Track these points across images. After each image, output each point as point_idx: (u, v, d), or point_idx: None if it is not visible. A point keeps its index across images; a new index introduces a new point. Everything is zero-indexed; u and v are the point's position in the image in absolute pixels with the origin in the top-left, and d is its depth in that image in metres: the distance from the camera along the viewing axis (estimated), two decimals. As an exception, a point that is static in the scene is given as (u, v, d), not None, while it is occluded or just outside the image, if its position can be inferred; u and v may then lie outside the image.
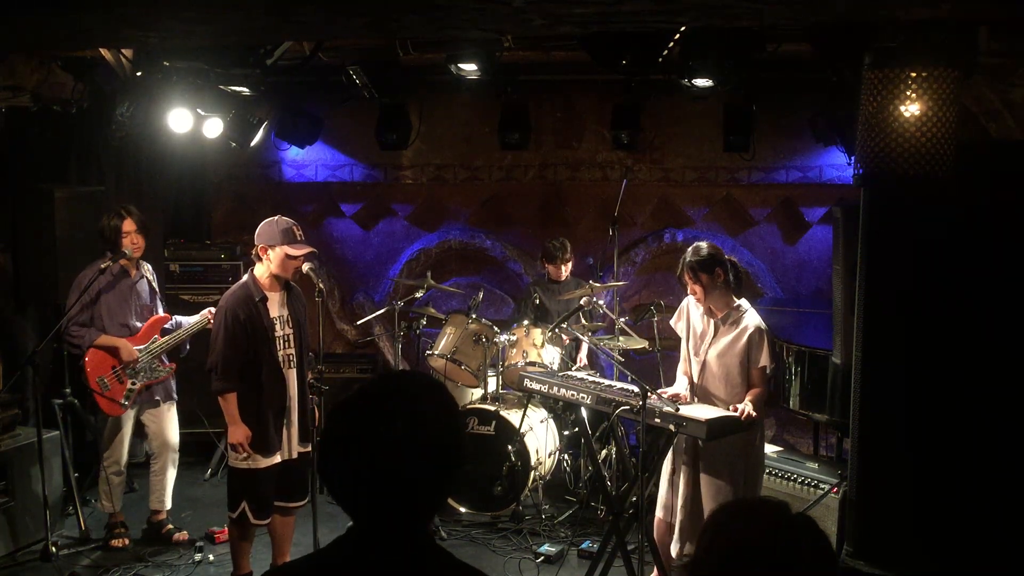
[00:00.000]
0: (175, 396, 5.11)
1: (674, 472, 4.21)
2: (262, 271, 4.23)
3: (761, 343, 4.01)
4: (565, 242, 6.12)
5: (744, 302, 4.15)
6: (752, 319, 4.08)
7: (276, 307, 4.25)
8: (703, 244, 4.13)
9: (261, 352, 4.16)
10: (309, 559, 1.64)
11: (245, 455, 4.16)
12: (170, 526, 5.09)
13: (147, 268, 5.10)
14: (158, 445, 5.06)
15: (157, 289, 5.12)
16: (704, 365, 4.15)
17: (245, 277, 4.30)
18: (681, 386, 4.26)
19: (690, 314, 4.28)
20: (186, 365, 5.23)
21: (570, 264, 6.13)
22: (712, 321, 4.14)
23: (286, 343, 4.27)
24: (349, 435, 1.45)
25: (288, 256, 4.16)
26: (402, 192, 7.26)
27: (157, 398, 5.00)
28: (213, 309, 4.87)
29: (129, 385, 4.85)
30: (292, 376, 4.27)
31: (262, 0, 2.96)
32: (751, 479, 4.11)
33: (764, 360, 4.01)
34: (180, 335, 4.94)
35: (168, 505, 5.13)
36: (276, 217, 4.25)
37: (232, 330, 4.12)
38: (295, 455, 4.30)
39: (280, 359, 4.23)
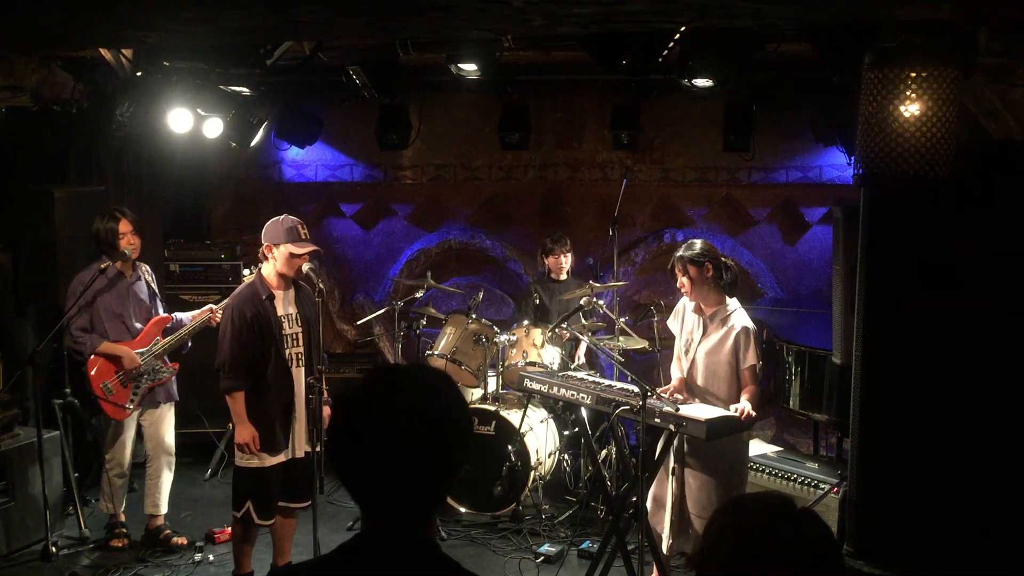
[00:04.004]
0: (176, 397, 5.08)
1: (672, 472, 4.22)
2: (269, 270, 4.24)
3: (748, 343, 4.05)
4: (563, 235, 6.17)
5: (734, 302, 4.18)
6: (740, 319, 4.11)
7: (284, 305, 4.25)
8: (697, 241, 4.21)
9: (268, 350, 4.16)
10: (313, 563, 1.63)
11: (251, 455, 4.16)
12: (168, 531, 5.05)
13: (145, 269, 5.07)
14: (153, 447, 5.03)
15: (156, 290, 5.09)
16: (693, 363, 4.20)
17: (253, 276, 4.31)
18: (675, 380, 4.29)
19: (684, 313, 4.33)
20: (187, 365, 5.22)
21: (569, 257, 6.13)
22: (701, 319, 4.18)
23: (294, 341, 4.26)
24: (355, 418, 1.45)
25: (292, 255, 4.16)
26: (402, 192, 7.26)
27: (158, 399, 4.98)
28: (214, 306, 4.89)
29: (133, 388, 4.84)
30: (300, 375, 4.26)
31: (262, 0, 2.96)
32: (737, 476, 4.15)
33: (752, 359, 4.05)
34: (181, 333, 4.92)
35: (164, 510, 5.06)
36: (281, 216, 4.27)
37: (239, 328, 4.12)
38: (301, 454, 4.29)
39: (287, 357, 4.22)
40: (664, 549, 4.21)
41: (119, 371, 4.79)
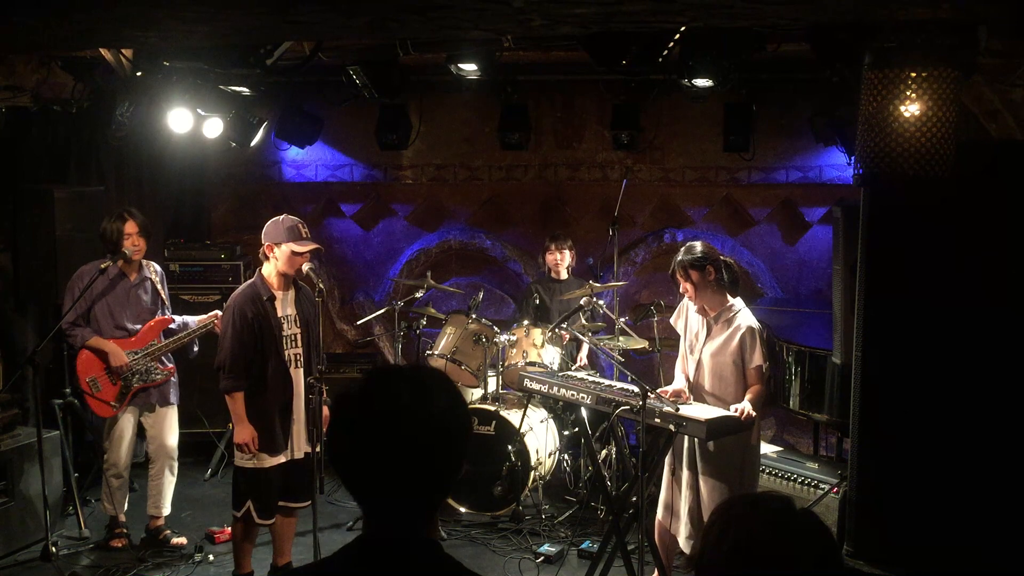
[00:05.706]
0: (173, 400, 5.01)
1: (674, 474, 4.22)
2: (269, 270, 4.24)
3: (754, 343, 4.02)
4: (565, 234, 6.19)
5: (738, 302, 4.15)
6: (745, 319, 4.08)
7: (284, 306, 4.26)
8: (696, 243, 4.16)
9: (268, 350, 4.17)
10: (315, 566, 1.63)
11: (250, 455, 4.17)
12: (167, 532, 5.04)
13: (154, 270, 5.04)
14: (155, 449, 5.02)
15: (163, 291, 5.04)
16: (699, 364, 4.17)
17: (254, 277, 4.31)
18: (680, 383, 4.27)
19: (688, 313, 4.30)
20: (187, 365, 5.22)
21: (567, 255, 6.13)
22: (705, 320, 4.16)
23: (293, 342, 4.27)
24: (355, 418, 1.45)
25: (293, 253, 4.17)
26: (402, 192, 7.26)
27: (153, 402, 4.93)
28: (219, 312, 4.87)
29: (122, 387, 4.82)
30: (299, 376, 4.27)
31: (262, 0, 2.96)
32: (749, 478, 4.12)
33: (758, 360, 4.01)
34: (181, 337, 4.90)
35: (166, 511, 5.05)
36: (282, 216, 4.28)
37: (239, 328, 4.13)
38: (301, 455, 4.30)
39: (287, 358, 4.23)
40: (687, 550, 4.21)
41: (106, 368, 4.79)
